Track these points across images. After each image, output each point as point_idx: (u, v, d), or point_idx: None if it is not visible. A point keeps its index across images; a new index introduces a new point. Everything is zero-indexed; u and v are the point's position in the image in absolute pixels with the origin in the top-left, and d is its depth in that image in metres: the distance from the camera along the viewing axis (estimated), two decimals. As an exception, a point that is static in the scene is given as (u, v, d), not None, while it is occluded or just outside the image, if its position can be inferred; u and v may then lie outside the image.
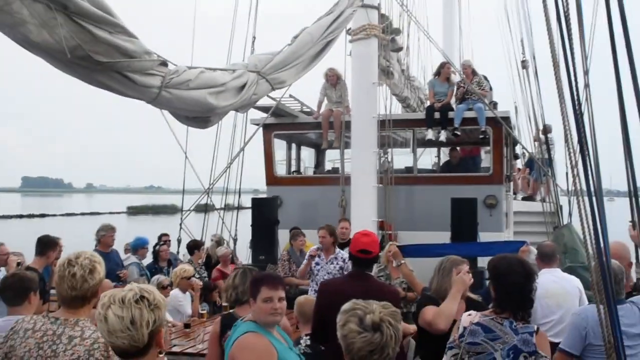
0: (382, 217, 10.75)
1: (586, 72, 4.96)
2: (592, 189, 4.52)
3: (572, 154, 4.61)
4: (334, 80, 12.79)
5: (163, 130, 6.97)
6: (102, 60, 3.66)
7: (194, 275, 9.39)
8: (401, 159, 13.54)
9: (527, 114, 16.07)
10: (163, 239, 11.83)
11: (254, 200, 12.40)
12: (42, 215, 71.34)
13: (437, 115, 12.39)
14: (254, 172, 14.11)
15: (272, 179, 13.49)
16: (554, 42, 4.71)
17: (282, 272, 10.04)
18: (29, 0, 3.22)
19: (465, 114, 12.20)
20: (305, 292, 8.70)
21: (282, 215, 12.00)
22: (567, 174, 12.15)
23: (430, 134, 12.50)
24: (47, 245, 7.26)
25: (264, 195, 13.30)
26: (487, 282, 4.55)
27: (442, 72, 13.00)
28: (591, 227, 4.04)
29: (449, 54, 15.33)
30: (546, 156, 15.29)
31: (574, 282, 7.00)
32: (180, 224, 12.89)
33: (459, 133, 12.40)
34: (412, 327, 5.87)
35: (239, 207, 14.26)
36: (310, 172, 15.15)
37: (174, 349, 6.52)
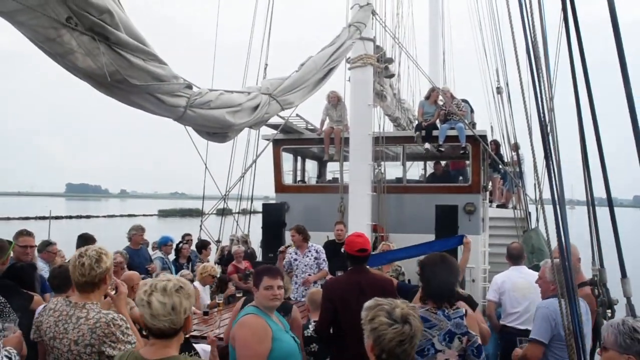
0: (375, 221, 10.80)
1: (551, 98, 5.02)
2: (556, 198, 4.57)
3: (538, 169, 4.67)
4: (335, 101, 12.86)
5: (186, 143, 7.02)
6: (136, 83, 3.73)
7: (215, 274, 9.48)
8: (392, 170, 13.59)
9: (501, 133, 16.16)
10: (186, 239, 11.91)
11: (264, 205, 12.46)
12: (88, 217, 71.67)
13: (423, 133, 12.46)
14: (264, 181, 14.18)
15: (280, 187, 13.55)
16: (523, 72, 4.78)
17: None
18: (77, 32, 3.28)
19: (448, 132, 12.26)
20: None
21: (289, 218, 12.07)
22: (535, 185, 12.17)
23: (427, 146, 12.57)
24: (86, 241, 7.37)
25: (273, 201, 13.36)
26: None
27: (432, 95, 13.08)
28: (560, 230, 4.10)
29: (434, 81, 15.40)
30: (517, 169, 15.36)
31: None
32: (200, 226, 12.99)
33: (442, 149, 12.46)
34: None
35: (252, 212, 14.34)
36: (313, 182, 15.21)
37: (194, 333, 6.55)
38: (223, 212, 13.72)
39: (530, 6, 5.21)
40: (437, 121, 12.81)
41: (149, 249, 11.11)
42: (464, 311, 4.23)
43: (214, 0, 14.94)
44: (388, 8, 13.89)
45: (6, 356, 3.47)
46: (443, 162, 14.97)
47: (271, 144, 13.00)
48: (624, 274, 4.51)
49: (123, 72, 3.61)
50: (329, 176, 15.35)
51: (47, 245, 7.70)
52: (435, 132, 12.35)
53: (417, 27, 21.28)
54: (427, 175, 15.86)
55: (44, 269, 6.93)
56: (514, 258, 7.25)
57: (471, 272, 11.11)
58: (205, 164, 11.14)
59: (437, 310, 4.18)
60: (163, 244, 10.95)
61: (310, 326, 6.08)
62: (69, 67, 3.39)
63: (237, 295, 9.27)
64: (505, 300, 7.00)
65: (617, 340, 3.15)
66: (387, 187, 11.57)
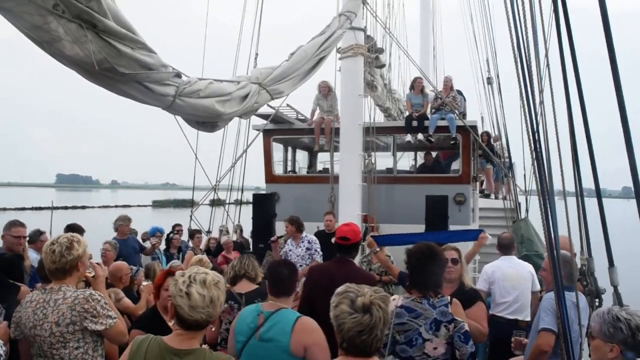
0: (366, 211, 10.80)
1: (541, 91, 5.03)
2: (545, 189, 4.59)
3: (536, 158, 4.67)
4: (325, 91, 12.84)
5: (177, 133, 6.98)
6: (125, 71, 3.70)
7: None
8: (383, 161, 13.60)
9: (491, 123, 16.21)
10: (176, 229, 11.91)
11: (254, 196, 12.44)
12: (83, 207, 71.34)
13: (414, 123, 12.47)
14: (255, 172, 14.16)
15: (270, 178, 13.54)
16: (513, 64, 4.79)
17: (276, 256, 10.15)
18: (65, 20, 3.26)
19: (439, 122, 12.28)
20: None
21: (280, 209, 12.05)
22: (524, 175, 12.23)
23: (408, 137, 12.58)
24: (73, 231, 7.32)
25: (264, 192, 13.34)
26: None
27: (415, 85, 13.08)
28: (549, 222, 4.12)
29: (425, 71, 15.40)
30: (507, 160, 15.43)
31: (527, 268, 7.11)
32: (191, 216, 12.96)
33: (432, 139, 12.47)
34: None
35: (242, 202, 14.31)
36: (304, 172, 15.20)
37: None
38: (213, 203, 13.68)
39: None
40: (428, 111, 12.82)
41: (139, 238, 11.08)
42: (448, 299, 4.26)
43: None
44: (379, -2, 13.83)
45: None
46: (434, 153, 14.99)
47: (261, 134, 12.96)
48: (611, 263, 4.55)
49: (111, 60, 3.58)
50: (319, 166, 15.35)
51: (38, 235, 7.65)
52: (426, 122, 12.37)
53: (408, 17, 21.29)
54: (417, 166, 15.88)
55: (36, 259, 6.90)
56: (505, 248, 7.30)
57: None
58: (196, 154, 11.09)
59: (422, 299, 4.20)
60: (152, 234, 10.94)
61: None
62: (57, 55, 3.37)
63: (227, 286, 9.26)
64: (494, 290, 7.04)
65: (602, 329, 3.17)
66: (377, 177, 11.57)
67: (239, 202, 14.11)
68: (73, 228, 7.66)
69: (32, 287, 5.62)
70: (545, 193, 4.29)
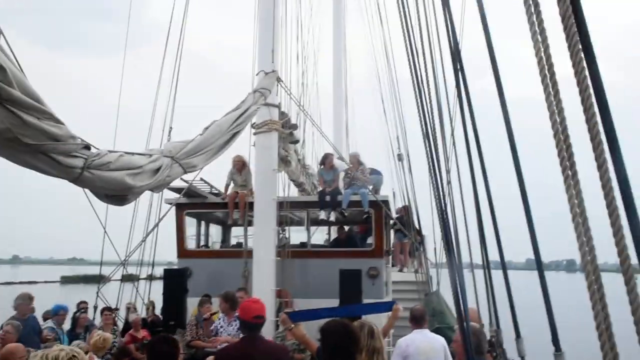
0: (280, 286, 10.68)
1: (448, 171, 5.24)
2: (454, 263, 4.69)
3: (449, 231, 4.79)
4: (239, 165, 12.85)
5: (84, 205, 6.73)
6: (29, 142, 3.56)
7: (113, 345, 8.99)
8: (297, 235, 13.59)
9: (402, 199, 16.65)
10: (81, 307, 11.34)
11: (165, 270, 12.04)
12: None
13: (327, 198, 12.61)
14: (167, 246, 13.77)
15: (183, 252, 13.20)
16: (421, 143, 4.98)
17: (189, 336, 9.77)
18: (-35, 88, 3.13)
19: (352, 197, 12.48)
20: (211, 353, 8.51)
21: (192, 284, 11.69)
22: (434, 249, 12.53)
23: (322, 214, 12.68)
24: None
25: (176, 267, 12.97)
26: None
27: (327, 162, 13.33)
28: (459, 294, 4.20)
29: (338, 147, 15.75)
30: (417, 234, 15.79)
31: (440, 341, 7.18)
32: (97, 293, 12.36)
33: (346, 214, 12.63)
34: None
35: (152, 277, 13.82)
36: (217, 247, 14.95)
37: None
38: (122, 279, 13.14)
39: (427, 81, 5.48)
40: (341, 185, 13.03)
41: (39, 318, 10.43)
42: None
43: (118, 63, 14.76)
44: (293, 76, 14.20)
45: None
46: (347, 227, 15.15)
47: (174, 208, 12.72)
48: (517, 334, 4.66)
49: (15, 130, 3.44)
50: (233, 241, 15.15)
51: None
52: (339, 197, 12.55)
53: (322, 94, 21.92)
54: (331, 240, 15.97)
55: None
56: (417, 321, 7.36)
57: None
58: (104, 228, 10.70)
59: None
60: (55, 313, 10.32)
61: None
62: (-45, 124, 3.21)
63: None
64: (408, 364, 7.04)
65: None
66: (291, 251, 11.54)
67: (154, 278, 13.63)
68: None
69: None
70: (454, 266, 4.39)
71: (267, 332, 7.37)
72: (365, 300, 10.44)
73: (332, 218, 12.66)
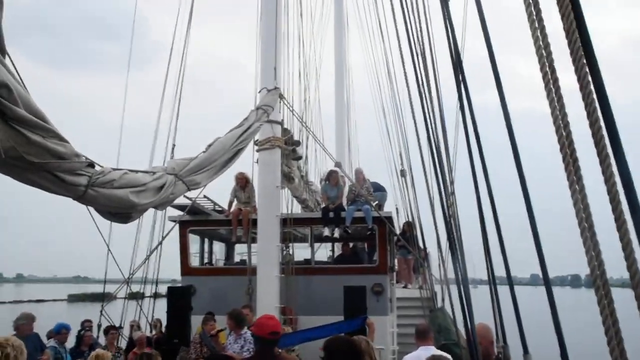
0: (284, 303, 10.64)
1: (451, 182, 5.22)
2: (460, 278, 4.66)
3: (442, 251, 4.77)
4: (243, 182, 12.85)
5: (88, 223, 6.71)
6: (34, 160, 3.56)
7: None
8: (301, 252, 13.56)
9: (406, 215, 16.61)
10: (86, 325, 11.32)
11: (169, 288, 12.01)
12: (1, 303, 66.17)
13: (331, 214, 12.59)
14: (171, 264, 13.74)
15: (186, 270, 13.16)
16: (425, 157, 4.97)
17: (194, 354, 9.71)
18: (-30, 107, 3.13)
19: (355, 213, 12.46)
20: None
21: (196, 302, 11.65)
22: (439, 266, 12.48)
23: (326, 231, 12.66)
24: None
25: (180, 285, 12.92)
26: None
27: (331, 179, 13.32)
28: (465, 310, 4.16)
29: (340, 161, 15.72)
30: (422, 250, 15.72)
31: (446, 357, 7.10)
32: (101, 311, 12.32)
33: (349, 230, 12.61)
34: None
35: (156, 295, 13.79)
36: (221, 264, 14.91)
37: None
38: (127, 297, 13.11)
39: (430, 96, 5.49)
40: (345, 202, 13.02)
41: (44, 336, 10.39)
42: None
43: (121, 82, 14.84)
44: (296, 92, 14.26)
45: None
46: (351, 243, 15.10)
47: (177, 225, 12.71)
48: (525, 350, 4.61)
49: (20, 148, 3.44)
50: (237, 258, 15.11)
51: None
52: (343, 214, 12.53)
53: (324, 110, 22.02)
54: (335, 257, 15.93)
55: None
56: (422, 336, 7.30)
57: (380, 353, 11.04)
58: (108, 246, 10.67)
59: None
60: (57, 332, 10.27)
61: None
62: (-41, 143, 3.21)
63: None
64: (413, 381, 6.97)
65: None
66: (295, 268, 11.50)
67: (159, 295, 13.59)
68: None
69: None
70: (460, 282, 4.35)
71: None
72: (370, 316, 10.40)
73: (336, 234, 12.64)
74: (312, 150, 17.51)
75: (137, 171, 5.10)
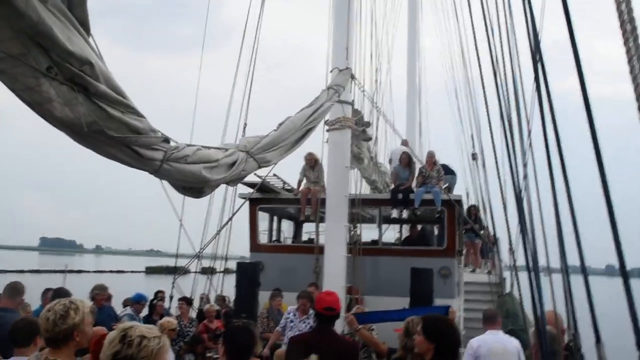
0: (350, 283, 10.69)
1: (524, 164, 5.08)
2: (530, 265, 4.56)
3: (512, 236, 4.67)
4: (312, 162, 12.93)
5: (161, 198, 6.93)
6: (114, 135, 3.71)
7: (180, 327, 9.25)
8: (368, 233, 13.56)
9: (476, 198, 16.32)
10: (159, 295, 11.76)
11: (239, 264, 12.28)
12: (79, 271, 69.44)
13: (400, 196, 12.52)
14: (241, 240, 14.04)
15: (255, 246, 13.40)
16: (497, 141, 4.86)
17: (260, 328, 9.92)
18: (57, 82, 3.27)
19: (424, 196, 12.34)
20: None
21: (263, 278, 11.87)
22: (509, 251, 12.24)
23: (394, 213, 12.60)
24: (61, 296, 7.21)
25: (249, 261, 13.20)
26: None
27: (402, 159, 13.23)
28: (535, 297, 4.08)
29: (411, 145, 15.59)
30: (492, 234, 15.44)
31: (514, 343, 6.99)
32: (173, 283, 12.76)
33: (418, 212, 12.51)
34: None
35: (225, 271, 14.15)
36: (289, 242, 15.11)
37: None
38: (197, 271, 13.53)
39: (505, 77, 5.35)
40: (414, 184, 12.92)
41: (119, 306, 10.87)
42: None
43: (196, 59, 15.15)
44: (367, 73, 14.15)
45: None
46: (419, 226, 14.99)
47: (247, 202, 12.94)
48: (598, 339, 4.48)
49: (101, 123, 3.59)
50: (304, 237, 15.27)
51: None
52: (411, 196, 12.43)
53: (396, 92, 21.78)
54: (402, 238, 15.85)
55: None
56: (490, 320, 7.20)
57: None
58: (180, 221, 11.00)
59: None
60: (136, 301, 10.73)
61: None
62: (46, 116, 3.36)
63: (208, 355, 9.03)
64: (480, 366, 6.89)
65: None
66: (362, 249, 11.52)
67: (228, 271, 13.95)
68: (60, 293, 7.49)
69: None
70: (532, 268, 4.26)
71: (337, 327, 7.39)
72: (437, 300, 10.33)
73: (405, 216, 12.55)
74: (382, 131, 17.41)
75: (210, 147, 5.23)
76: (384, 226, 14.11)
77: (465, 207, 15.77)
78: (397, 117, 22.16)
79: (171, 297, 12.51)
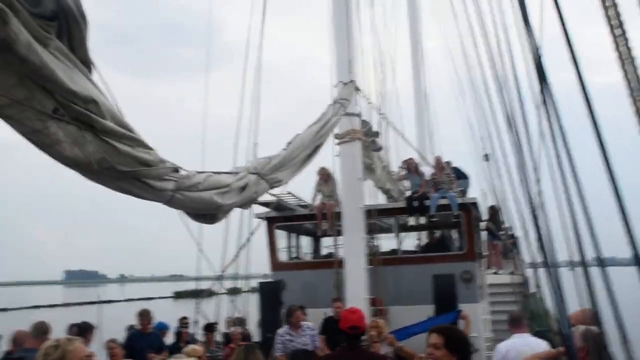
0: (373, 294, 10.66)
1: (535, 169, 5.07)
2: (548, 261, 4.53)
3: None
4: (325, 177, 12.95)
5: (179, 224, 7.01)
6: (123, 169, 3.76)
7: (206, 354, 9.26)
8: (387, 242, 13.54)
9: (494, 199, 16.25)
10: (184, 322, 11.82)
11: (260, 284, 12.31)
12: (110, 302, 70.04)
13: (415, 203, 12.50)
14: (261, 259, 14.07)
15: (275, 265, 13.42)
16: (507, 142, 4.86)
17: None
18: (64, 123, 3.34)
19: (440, 201, 12.32)
20: None
21: (286, 296, 11.88)
22: (529, 249, 12.16)
23: (411, 220, 12.59)
24: (83, 330, 7.31)
25: (270, 279, 13.21)
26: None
27: (409, 165, 13.26)
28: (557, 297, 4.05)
29: (422, 150, 15.58)
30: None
31: (542, 345, 6.92)
32: (197, 308, 12.81)
33: (435, 218, 12.48)
34: None
35: (247, 291, 14.18)
36: (308, 258, 15.12)
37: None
38: (218, 293, 13.56)
39: (506, 79, 5.35)
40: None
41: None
42: None
43: (199, 86, 15.30)
44: (372, 83, 14.17)
45: None
46: (437, 232, 14.95)
47: (264, 222, 12.99)
48: (624, 337, 4.42)
49: (110, 159, 3.64)
50: (324, 251, 15.27)
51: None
52: (427, 202, 12.41)
53: (402, 96, 21.80)
54: (421, 245, 15.81)
55: None
56: (516, 323, 7.15)
57: (474, 341, 10.90)
58: (198, 246, 11.05)
59: None
60: (158, 330, 10.81)
61: None
62: (56, 157, 3.42)
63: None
64: (508, 369, 6.83)
65: None
66: (382, 259, 11.50)
67: (251, 290, 13.97)
68: (81, 327, 7.60)
69: None
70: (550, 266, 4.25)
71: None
72: (461, 304, 10.28)
73: (422, 222, 12.54)
74: (392, 140, 17.40)
75: (220, 173, 5.27)
76: (402, 234, 14.08)
77: (483, 208, 15.70)
78: (406, 122, 22.15)
79: (195, 323, 12.56)
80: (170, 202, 4.38)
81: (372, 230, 11.25)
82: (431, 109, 24.51)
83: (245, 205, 6.00)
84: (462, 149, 21.41)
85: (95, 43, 3.65)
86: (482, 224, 14.40)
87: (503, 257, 17.45)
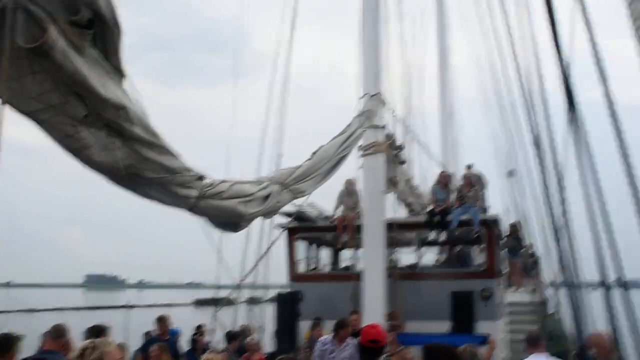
0: (390, 308, 10.62)
1: (562, 188, 5.05)
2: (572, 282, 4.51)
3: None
4: (350, 189, 12.95)
5: (199, 233, 7.07)
6: (150, 176, 3.85)
7: None
8: (406, 256, 13.49)
9: (517, 216, 16.14)
10: (200, 330, 11.86)
11: (279, 295, 12.31)
12: (132, 306, 70.74)
13: (437, 218, 12.45)
14: (280, 269, 14.09)
15: (294, 276, 13.42)
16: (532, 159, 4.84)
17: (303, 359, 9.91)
18: (94, 129, 3.44)
19: (462, 217, 12.27)
20: None
21: (303, 307, 11.89)
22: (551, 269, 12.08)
23: (432, 235, 12.54)
24: (98, 332, 7.38)
25: (287, 290, 13.23)
26: None
27: (441, 180, 13.20)
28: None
29: (445, 164, 15.53)
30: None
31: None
32: (215, 316, 12.84)
33: (456, 233, 12.43)
34: None
35: (265, 301, 14.20)
36: (327, 269, 15.10)
37: None
38: (236, 302, 13.59)
39: (532, 97, 5.36)
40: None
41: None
42: None
43: (227, 94, 15.44)
44: (398, 96, 14.22)
45: None
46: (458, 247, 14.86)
47: (285, 232, 13.02)
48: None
49: (137, 165, 3.73)
50: (343, 264, 15.25)
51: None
52: (448, 217, 12.36)
53: (428, 108, 21.80)
54: (441, 261, 15.72)
55: None
56: (533, 343, 7.09)
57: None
58: (218, 254, 11.10)
59: None
60: (170, 335, 10.88)
61: None
62: (86, 161, 3.52)
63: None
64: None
65: None
66: (401, 273, 11.47)
67: (269, 300, 13.98)
68: (96, 329, 7.68)
69: None
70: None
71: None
72: (479, 322, 10.21)
73: (443, 237, 12.48)
74: (416, 153, 17.39)
75: (244, 182, 5.33)
76: (422, 249, 14.03)
77: (505, 225, 15.60)
78: (431, 135, 22.11)
79: (212, 331, 12.59)
80: (194, 209, 4.46)
81: (392, 243, 11.23)
82: (458, 122, 24.48)
83: (267, 214, 6.06)
84: (485, 164, 21.28)
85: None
86: (503, 241, 14.27)
87: (525, 275, 17.30)
